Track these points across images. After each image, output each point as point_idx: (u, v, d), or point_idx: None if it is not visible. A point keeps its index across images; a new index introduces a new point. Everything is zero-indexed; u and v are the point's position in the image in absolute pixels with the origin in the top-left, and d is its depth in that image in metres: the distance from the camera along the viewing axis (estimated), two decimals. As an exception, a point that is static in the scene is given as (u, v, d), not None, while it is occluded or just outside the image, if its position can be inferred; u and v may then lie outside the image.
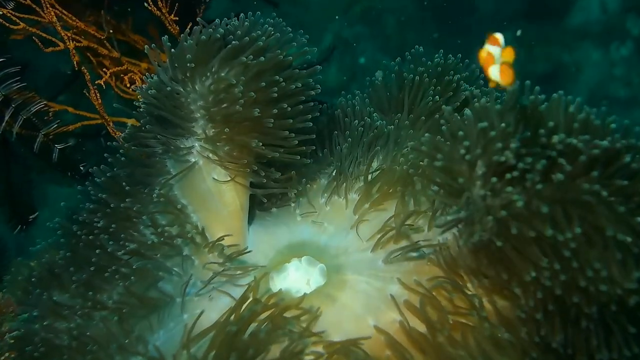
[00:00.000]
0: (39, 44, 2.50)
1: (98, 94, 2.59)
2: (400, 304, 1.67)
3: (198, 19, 1.86)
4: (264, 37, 1.81)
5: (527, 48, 6.77)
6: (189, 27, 1.84)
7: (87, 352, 1.70)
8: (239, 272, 1.83)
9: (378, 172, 1.99)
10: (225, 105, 1.76)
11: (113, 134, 2.55)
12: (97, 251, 1.85)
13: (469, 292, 1.61)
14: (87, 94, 2.58)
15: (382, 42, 7.15)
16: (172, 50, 1.80)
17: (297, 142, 1.85)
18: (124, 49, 2.80)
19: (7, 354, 1.86)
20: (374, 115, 2.18)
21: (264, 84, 1.76)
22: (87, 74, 2.56)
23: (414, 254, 1.75)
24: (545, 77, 6.78)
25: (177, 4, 2.56)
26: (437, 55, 2.20)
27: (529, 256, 1.41)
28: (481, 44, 1.86)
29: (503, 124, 1.43)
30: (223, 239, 1.86)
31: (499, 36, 1.87)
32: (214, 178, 1.89)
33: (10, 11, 2.47)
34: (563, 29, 7.02)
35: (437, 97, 2.09)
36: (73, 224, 1.96)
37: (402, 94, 2.19)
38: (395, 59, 2.28)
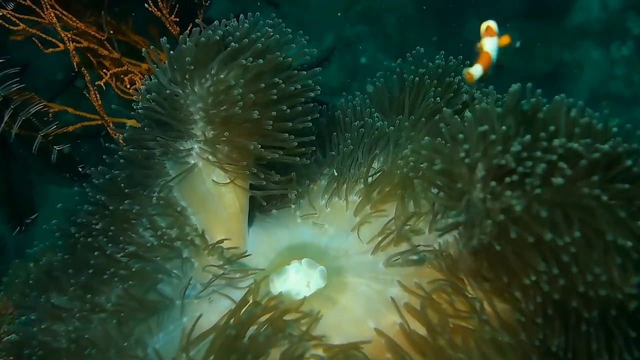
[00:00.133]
0: (39, 45, 2.50)
1: (98, 95, 2.59)
2: (400, 307, 1.67)
3: (197, 20, 1.86)
4: (263, 39, 1.80)
5: (528, 48, 6.77)
6: (189, 28, 1.83)
7: (86, 356, 1.70)
8: (238, 274, 1.83)
9: (378, 174, 1.98)
10: (224, 107, 1.75)
11: (113, 135, 2.55)
12: (96, 253, 1.84)
13: (470, 295, 1.60)
14: (87, 95, 2.57)
15: (383, 41, 7.14)
16: (171, 52, 1.79)
17: (296, 143, 1.85)
18: (124, 49, 2.79)
19: (4, 357, 1.85)
20: (375, 115, 2.17)
21: (263, 85, 1.76)
22: (87, 74, 2.56)
23: (415, 257, 1.74)
24: (545, 76, 6.78)
25: (177, 5, 2.56)
26: (437, 56, 2.19)
27: (528, 260, 1.40)
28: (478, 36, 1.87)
29: (504, 127, 1.42)
30: (223, 242, 1.86)
31: (493, 24, 1.88)
32: (213, 180, 1.89)
33: (10, 12, 2.47)
34: (563, 28, 7.02)
35: (437, 98, 2.09)
36: (71, 225, 1.96)
37: (402, 95, 2.18)
38: (396, 58, 2.28)
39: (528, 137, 1.39)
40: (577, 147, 1.36)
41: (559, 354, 1.45)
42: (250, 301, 1.67)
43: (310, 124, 1.87)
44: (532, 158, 1.37)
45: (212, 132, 1.82)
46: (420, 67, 2.18)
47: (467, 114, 1.52)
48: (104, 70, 2.66)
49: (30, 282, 1.92)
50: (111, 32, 2.68)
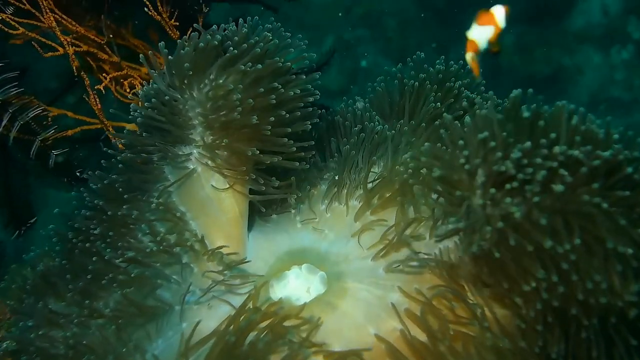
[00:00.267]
0: (38, 48, 2.49)
1: (97, 99, 2.58)
2: (401, 313, 1.66)
3: (195, 25, 1.85)
4: (262, 43, 1.80)
5: (528, 51, 6.77)
6: (189, 32, 1.82)
7: (84, 362, 1.69)
8: (238, 280, 1.82)
9: (379, 179, 1.98)
10: (223, 112, 1.75)
11: (112, 139, 2.54)
12: (94, 258, 1.84)
13: (470, 301, 1.60)
14: (87, 99, 2.57)
15: (384, 45, 7.14)
16: (170, 57, 1.79)
17: (295, 148, 1.84)
18: (124, 53, 2.78)
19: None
20: (376, 118, 2.17)
21: (262, 90, 1.75)
22: (87, 78, 2.55)
23: (415, 262, 1.74)
24: (545, 80, 6.77)
25: (177, 9, 2.55)
26: (438, 61, 2.19)
27: (527, 267, 1.40)
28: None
29: (504, 134, 1.42)
30: (222, 247, 1.85)
31: (497, 11, 1.85)
32: (212, 185, 1.88)
33: (10, 16, 2.46)
34: (564, 32, 7.02)
35: (438, 103, 2.08)
36: (68, 230, 1.95)
37: (403, 100, 2.18)
38: (396, 62, 2.27)
39: (528, 143, 1.38)
40: (577, 154, 1.35)
41: (559, 360, 1.45)
42: (250, 307, 1.66)
43: (310, 128, 1.87)
44: (532, 165, 1.37)
45: (211, 137, 1.81)
46: (420, 72, 2.17)
47: (467, 119, 1.52)
48: (104, 75, 2.66)
49: (27, 287, 1.91)
50: (111, 36, 2.67)
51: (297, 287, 1.85)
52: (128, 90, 2.67)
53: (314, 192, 2.09)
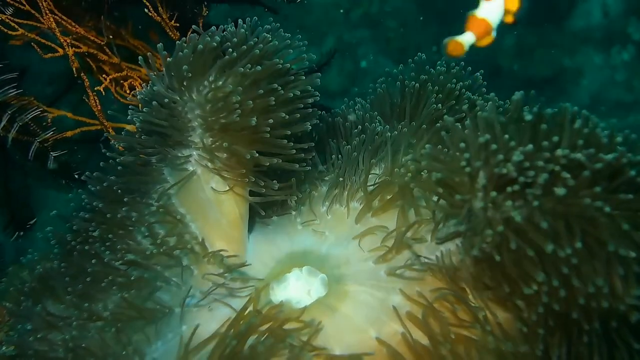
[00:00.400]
0: (38, 49, 2.49)
1: (97, 100, 2.57)
2: (402, 316, 1.65)
3: (194, 26, 1.84)
4: (261, 45, 1.79)
5: (528, 53, 6.77)
6: (190, 33, 1.82)
7: (83, 365, 1.68)
8: (238, 282, 1.82)
9: (379, 181, 1.97)
10: (222, 114, 1.74)
11: (111, 141, 2.53)
12: (93, 261, 1.83)
13: (472, 304, 1.59)
14: (87, 100, 2.56)
15: (384, 45, 7.14)
16: (168, 59, 1.78)
17: (296, 149, 1.83)
18: (124, 54, 2.77)
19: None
20: (377, 119, 2.16)
21: (261, 92, 1.74)
22: (87, 79, 2.55)
23: (417, 265, 1.73)
24: (546, 81, 6.77)
25: (177, 10, 2.55)
26: (439, 62, 2.18)
27: (528, 271, 1.39)
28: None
29: (506, 136, 1.41)
30: (223, 249, 1.84)
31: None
32: (212, 187, 1.87)
33: (9, 17, 2.46)
34: (564, 33, 7.01)
35: (439, 105, 2.08)
36: (67, 233, 1.94)
37: (404, 101, 2.17)
38: (397, 62, 2.27)
39: (530, 146, 1.37)
40: (580, 157, 1.35)
41: (561, 364, 1.44)
42: (251, 310, 1.66)
43: (310, 130, 1.86)
44: (534, 168, 1.36)
45: (211, 139, 1.80)
46: (421, 73, 2.17)
47: (468, 122, 1.52)
48: (104, 76, 2.65)
49: (26, 290, 1.90)
50: (111, 36, 2.66)
51: (298, 289, 1.85)
52: (128, 91, 2.66)
53: (315, 194, 2.08)
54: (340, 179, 2.04)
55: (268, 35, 1.82)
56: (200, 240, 1.86)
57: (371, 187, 1.96)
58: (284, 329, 1.61)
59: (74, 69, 2.54)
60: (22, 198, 2.71)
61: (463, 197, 1.46)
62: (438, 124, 2.03)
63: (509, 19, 1.85)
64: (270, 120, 1.76)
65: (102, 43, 2.65)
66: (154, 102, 1.81)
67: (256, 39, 1.81)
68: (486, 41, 1.85)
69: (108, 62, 2.70)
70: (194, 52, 1.75)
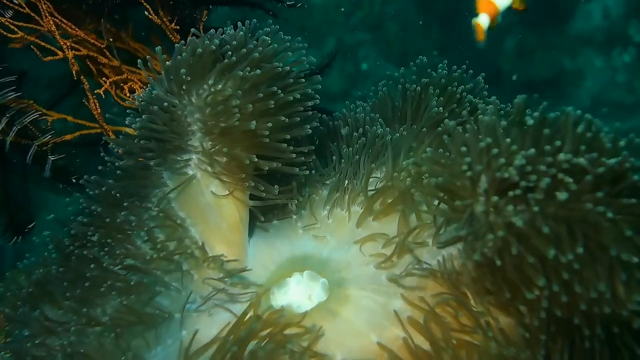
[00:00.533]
0: (38, 52, 2.48)
1: (97, 103, 2.57)
2: (403, 320, 1.64)
3: (193, 29, 1.84)
4: (260, 48, 1.78)
5: (529, 55, 6.77)
6: (190, 36, 1.81)
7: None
8: (239, 287, 1.81)
9: (381, 185, 1.96)
10: (222, 118, 1.73)
11: (110, 144, 2.52)
12: (92, 265, 1.82)
13: (474, 309, 1.58)
14: (86, 103, 2.55)
15: (385, 48, 7.15)
16: (167, 62, 1.77)
17: (296, 153, 1.83)
18: (124, 57, 2.77)
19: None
20: (379, 121, 2.15)
21: (261, 95, 1.73)
22: (87, 82, 2.54)
23: (418, 269, 1.72)
24: (547, 83, 6.78)
25: (178, 13, 2.54)
26: (440, 65, 2.18)
27: (530, 276, 1.38)
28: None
29: (508, 140, 1.40)
30: (223, 254, 1.84)
31: None
32: (212, 191, 1.87)
33: (9, 20, 2.45)
34: (565, 35, 7.02)
35: (440, 108, 2.07)
36: (64, 237, 1.93)
37: (405, 105, 2.17)
38: (397, 65, 2.27)
39: (532, 150, 1.37)
40: (582, 162, 1.34)
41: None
42: (251, 314, 1.65)
43: (310, 133, 1.85)
44: (536, 172, 1.35)
45: (210, 143, 1.80)
46: (423, 76, 2.16)
47: (469, 126, 1.51)
48: (104, 79, 2.64)
49: (23, 295, 1.89)
50: (111, 39, 2.65)
51: (299, 294, 1.83)
52: (128, 94, 2.66)
53: (316, 198, 2.07)
54: (341, 182, 2.03)
55: (267, 38, 1.82)
56: (200, 244, 1.85)
57: (372, 192, 1.95)
58: (285, 334, 1.60)
59: (73, 72, 2.53)
60: (21, 201, 2.70)
61: (464, 201, 1.45)
62: (439, 128, 2.02)
63: (518, 5, 1.85)
64: (270, 124, 1.75)
65: (102, 46, 2.64)
66: (154, 106, 1.80)
67: (255, 42, 1.80)
68: (493, 23, 1.85)
69: (108, 65, 2.69)
70: (193, 56, 1.75)
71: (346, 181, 2.03)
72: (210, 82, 1.75)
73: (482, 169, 1.41)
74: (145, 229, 1.85)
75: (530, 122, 1.43)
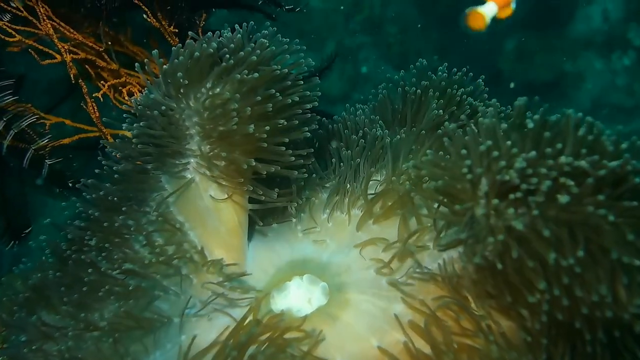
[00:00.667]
0: (36, 56, 2.47)
1: (95, 107, 2.56)
2: (404, 324, 1.63)
3: (190, 33, 1.83)
4: (258, 50, 1.77)
5: (529, 57, 6.78)
6: (188, 39, 1.80)
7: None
8: (238, 291, 1.80)
9: (381, 188, 1.95)
10: (220, 121, 1.73)
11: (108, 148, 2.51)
12: (89, 270, 1.81)
13: (475, 313, 1.57)
14: (85, 107, 2.55)
15: (385, 50, 7.15)
16: (165, 66, 1.77)
17: (295, 156, 1.82)
18: (122, 60, 2.76)
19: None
20: (379, 122, 2.15)
21: (259, 98, 1.73)
22: (85, 86, 2.53)
23: (419, 273, 1.71)
24: (547, 86, 6.79)
25: (176, 17, 2.54)
26: (440, 68, 2.17)
27: (531, 279, 1.37)
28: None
29: (508, 142, 1.40)
30: (222, 258, 1.83)
31: None
32: (210, 195, 1.86)
33: (6, 23, 2.44)
34: (565, 38, 7.03)
35: (440, 111, 2.06)
36: (62, 241, 1.92)
37: (405, 107, 2.16)
38: (397, 68, 2.26)
39: (533, 153, 1.36)
40: (583, 164, 1.33)
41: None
42: (251, 319, 1.64)
43: (309, 136, 1.85)
44: (537, 175, 1.34)
45: (209, 146, 1.79)
46: (423, 79, 2.16)
47: (469, 129, 1.50)
48: (102, 82, 2.63)
49: (20, 300, 1.88)
50: (109, 43, 2.65)
51: (299, 298, 1.83)
52: (127, 97, 2.65)
53: (315, 201, 2.06)
54: (341, 185, 2.02)
55: (265, 41, 1.81)
56: (199, 248, 1.84)
57: (372, 195, 1.94)
58: (285, 339, 1.59)
59: (71, 75, 2.53)
60: (18, 206, 2.69)
61: (465, 204, 1.44)
62: (439, 130, 2.02)
63: (502, 14, 1.84)
64: (268, 127, 1.74)
65: (101, 49, 2.63)
66: (152, 110, 1.79)
67: (253, 45, 1.79)
68: (505, 12, 1.83)
69: (107, 69, 2.68)
70: (190, 59, 1.74)
71: (346, 184, 2.02)
72: (208, 85, 1.74)
73: (482, 172, 1.40)
74: (144, 233, 1.84)
75: (530, 124, 1.43)
